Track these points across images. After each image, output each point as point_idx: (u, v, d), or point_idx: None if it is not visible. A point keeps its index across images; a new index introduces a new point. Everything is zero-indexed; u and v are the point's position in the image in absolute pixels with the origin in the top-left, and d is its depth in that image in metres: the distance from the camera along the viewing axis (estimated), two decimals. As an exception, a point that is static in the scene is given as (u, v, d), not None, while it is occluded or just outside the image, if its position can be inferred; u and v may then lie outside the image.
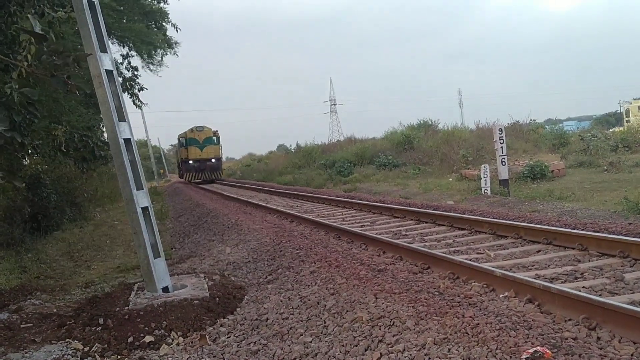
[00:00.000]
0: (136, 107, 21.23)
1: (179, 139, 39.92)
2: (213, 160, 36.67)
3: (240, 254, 8.67)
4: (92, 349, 4.89)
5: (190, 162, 35.97)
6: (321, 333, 4.55)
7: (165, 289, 6.21)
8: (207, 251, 9.63)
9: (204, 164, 36.02)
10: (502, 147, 13.86)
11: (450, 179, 18.97)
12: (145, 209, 6.26)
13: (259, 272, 7.31)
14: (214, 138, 37.20)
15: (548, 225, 7.58)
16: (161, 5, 18.55)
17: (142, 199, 6.23)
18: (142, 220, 6.12)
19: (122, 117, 6.20)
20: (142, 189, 6.29)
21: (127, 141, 6.23)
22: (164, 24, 18.95)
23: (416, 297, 4.83)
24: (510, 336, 3.70)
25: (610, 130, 33.23)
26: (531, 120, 30.70)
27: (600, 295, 4.49)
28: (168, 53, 20.22)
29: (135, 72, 20.34)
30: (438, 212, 10.04)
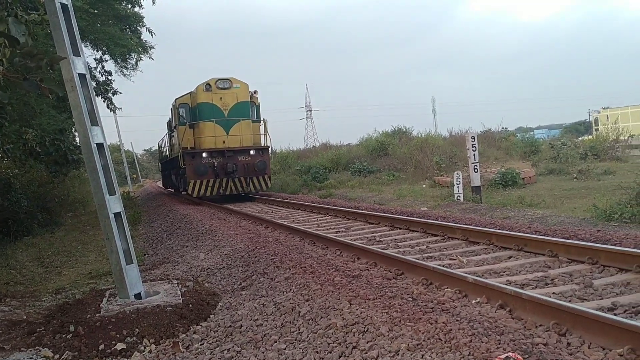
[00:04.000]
0: (110, 111, 20.98)
1: (174, 110, 20.99)
2: (252, 152, 19.32)
3: (214, 260, 8.61)
4: (63, 357, 4.80)
5: (204, 155, 18.71)
6: (295, 340, 4.54)
7: (138, 296, 6.14)
8: (181, 257, 9.54)
9: (232, 160, 18.86)
10: (474, 155, 14.04)
11: (424, 186, 19.15)
12: (117, 215, 6.19)
13: (233, 278, 7.27)
14: (253, 106, 20.14)
15: (519, 232, 7.71)
16: (136, 9, 18.40)
17: (114, 204, 6.16)
18: (114, 226, 6.05)
19: (94, 122, 6.13)
20: (115, 194, 6.21)
21: (100, 145, 6.15)
22: (138, 28, 18.80)
23: (390, 303, 4.86)
24: (482, 342, 3.75)
25: (580, 138, 33.95)
26: (503, 128, 31.22)
27: (570, 301, 4.57)
28: (143, 57, 20.04)
29: (109, 76, 20.13)
30: (412, 218, 10.12)
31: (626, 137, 26.06)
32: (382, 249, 7.50)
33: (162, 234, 13.17)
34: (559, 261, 6.22)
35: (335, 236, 9.01)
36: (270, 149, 20.31)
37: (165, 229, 13.93)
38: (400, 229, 9.68)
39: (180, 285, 6.76)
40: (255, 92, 20.30)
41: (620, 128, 27.63)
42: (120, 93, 20.61)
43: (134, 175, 63.31)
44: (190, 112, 19.80)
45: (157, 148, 35.94)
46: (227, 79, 19.38)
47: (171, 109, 22.22)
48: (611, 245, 6.32)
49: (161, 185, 41.07)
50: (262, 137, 20.19)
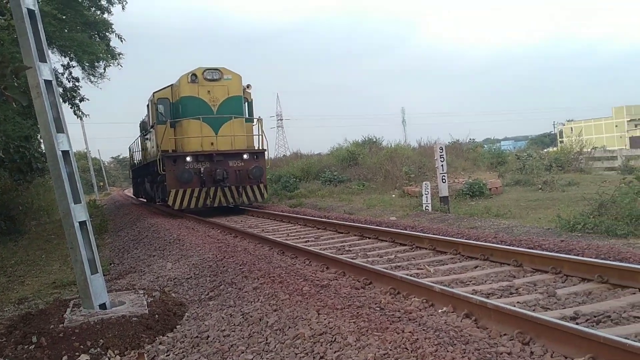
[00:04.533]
0: (77, 117, 20.64)
1: (151, 106, 18.09)
2: (245, 157, 16.76)
3: (181, 269, 8.52)
4: (23, 370, 4.69)
5: (188, 160, 16.04)
6: (263, 350, 4.52)
7: (103, 306, 6.03)
8: (147, 267, 9.41)
9: (222, 165, 16.29)
10: (442, 165, 14.23)
11: (393, 195, 19.29)
12: (83, 223, 6.08)
13: (201, 288, 7.20)
14: (245, 102, 17.56)
15: (485, 242, 7.82)
16: (105, 15, 18.19)
17: (79, 213, 6.05)
18: (79, 235, 5.94)
19: (60, 129, 6.03)
20: (80, 202, 6.11)
21: (65, 153, 6.05)
22: (107, 34, 18.57)
23: (358, 313, 4.88)
24: (447, 351, 3.79)
25: (545, 150, 34.67)
26: (471, 139, 31.75)
27: (533, 311, 4.65)
28: (111, 64, 19.79)
29: (77, 83, 19.82)
30: (381, 227, 10.19)
31: (589, 150, 26.72)
32: (351, 259, 7.54)
33: (128, 243, 12.98)
34: (524, 271, 6.33)
35: (305, 245, 9.01)
36: (266, 152, 17.52)
37: (132, 237, 13.74)
38: (369, 238, 9.73)
39: (146, 295, 6.67)
40: (247, 87, 17.51)
41: (583, 140, 28.31)
42: (87, 100, 20.27)
43: (101, 183, 62.38)
44: (171, 108, 17.10)
45: (128, 154, 31.00)
46: (216, 69, 16.63)
47: (147, 105, 19.06)
48: (574, 255, 6.46)
49: (130, 194, 38.99)
50: (257, 138, 17.46)
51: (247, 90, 17.53)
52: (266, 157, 17.45)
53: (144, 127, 21.09)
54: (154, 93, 17.55)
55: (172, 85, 17.44)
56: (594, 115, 79.93)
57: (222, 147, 16.44)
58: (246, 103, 17.52)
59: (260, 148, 17.27)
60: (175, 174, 15.78)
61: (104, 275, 6.42)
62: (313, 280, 6.35)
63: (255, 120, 17.61)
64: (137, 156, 25.25)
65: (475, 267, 6.82)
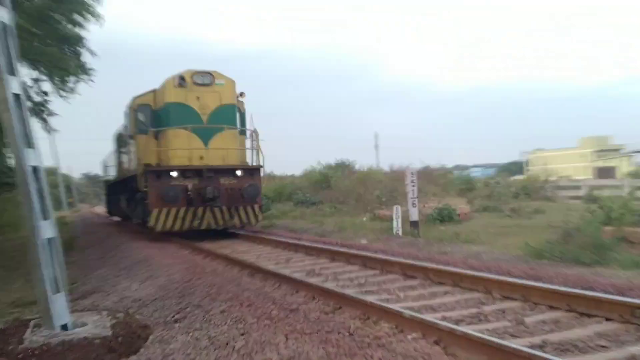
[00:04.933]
0: (47, 132, 20.23)
1: (131, 114, 16.33)
2: (239, 173, 15.08)
3: (147, 290, 8.34)
4: (-22, 393, 4.50)
5: (174, 175, 14.29)
6: (229, 375, 4.43)
7: (64, 327, 5.84)
8: (113, 287, 9.20)
9: (213, 182, 14.49)
10: (413, 190, 14.34)
11: (365, 219, 19.33)
12: (50, 240, 5.92)
13: (167, 310, 7.05)
14: (237, 111, 15.76)
15: (455, 268, 7.86)
16: (77, 30, 17.94)
17: (47, 229, 5.89)
18: (45, 252, 5.78)
19: (29, 144, 5.90)
20: (49, 218, 5.96)
21: (35, 169, 5.91)
22: (79, 49, 18.32)
23: (327, 338, 4.83)
24: (417, 378, 3.77)
25: (513, 178, 35.25)
26: (441, 165, 32.05)
27: (502, 338, 4.67)
28: (82, 80, 19.48)
29: (46, 97, 19.43)
30: (352, 251, 10.17)
31: (555, 178, 27.28)
32: (321, 282, 7.49)
33: (95, 262, 12.70)
34: (493, 298, 6.37)
35: (275, 268, 8.93)
36: (262, 170, 15.65)
37: (99, 256, 13.46)
38: (340, 261, 9.70)
39: (110, 317, 6.50)
40: (241, 95, 15.70)
41: (549, 169, 28.91)
42: (57, 115, 19.88)
43: (71, 200, 61.17)
44: (153, 116, 15.30)
45: (101, 169, 28.15)
46: (207, 73, 14.89)
47: (125, 113, 17.01)
48: (542, 283, 6.53)
49: (101, 212, 37.37)
50: (252, 153, 15.71)
51: (240, 98, 15.82)
52: (262, 174, 15.64)
53: (120, 139, 19.52)
54: (133, 98, 15.73)
55: (155, 90, 15.66)
56: (560, 145, 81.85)
57: (213, 162, 14.63)
58: (238, 113, 15.75)
59: (256, 164, 15.53)
60: (159, 191, 13.88)
61: (67, 294, 6.24)
62: (282, 304, 6.28)
63: (249, 132, 15.81)
64: (111, 171, 23.38)
65: (445, 293, 6.84)
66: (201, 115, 14.65)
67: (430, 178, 28.35)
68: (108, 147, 24.28)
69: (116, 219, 25.35)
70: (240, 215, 14.86)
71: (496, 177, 30.93)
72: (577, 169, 65.05)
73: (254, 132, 15.42)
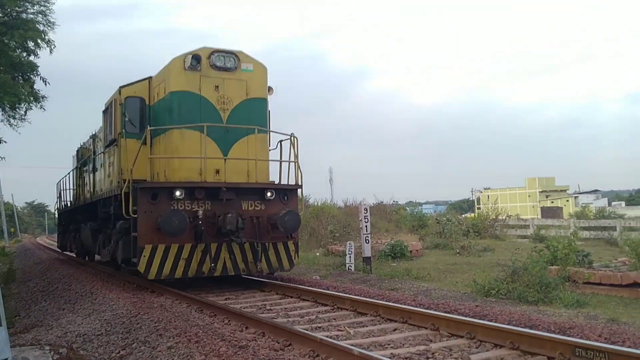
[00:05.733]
0: None
1: (113, 109, 11.87)
2: (269, 195, 10.88)
3: (92, 325, 8.10)
4: None
5: (177, 195, 10.00)
6: (174, 414, 4.33)
7: (2, 364, 5.57)
8: (56, 321, 8.89)
9: (233, 207, 10.39)
10: (366, 226, 14.47)
11: (318, 253, 19.33)
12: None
13: (112, 346, 6.85)
14: (266, 106, 11.71)
15: (404, 305, 7.94)
16: (31, 57, 17.65)
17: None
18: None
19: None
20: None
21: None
22: (32, 76, 17.97)
23: (275, 376, 4.79)
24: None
25: (463, 215, 36.01)
26: (394, 201, 32.45)
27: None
28: (33, 107, 19.05)
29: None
30: (303, 287, 10.14)
31: (504, 217, 27.99)
32: (272, 318, 7.44)
33: (37, 295, 12.27)
34: (440, 335, 6.46)
35: (225, 304, 8.81)
36: (301, 191, 11.76)
37: (42, 288, 13.00)
38: (291, 297, 9.65)
39: (52, 352, 6.29)
40: (269, 90, 11.66)
41: (499, 208, 29.68)
42: (5, 142, 19.34)
43: (12, 230, 58.97)
44: (149, 113, 11.56)
45: (55, 194, 22.50)
46: (231, 53, 11.00)
47: (105, 110, 12.69)
48: (487, 320, 6.67)
49: (45, 242, 35.17)
50: (287, 168, 11.50)
51: (269, 94, 11.78)
52: (300, 197, 11.80)
53: (84, 155, 16.22)
54: (120, 88, 11.58)
55: (150, 78, 11.83)
56: (509, 184, 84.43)
57: (233, 178, 10.73)
58: (265, 107, 11.70)
59: (296, 183, 11.42)
60: (154, 217, 9.81)
61: (8, 328, 6.00)
62: (231, 341, 6.20)
63: (284, 138, 11.62)
64: (68, 195, 19.41)
65: (394, 329, 6.89)
66: (220, 112, 10.83)
67: (383, 214, 28.64)
68: (55, 176, 22.62)
69: (70, 254, 21.25)
70: (270, 257, 10.81)
71: (447, 214, 31.52)
72: (525, 208, 67.10)
73: (293, 137, 11.35)
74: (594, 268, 11.69)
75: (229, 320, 7.53)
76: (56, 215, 23.47)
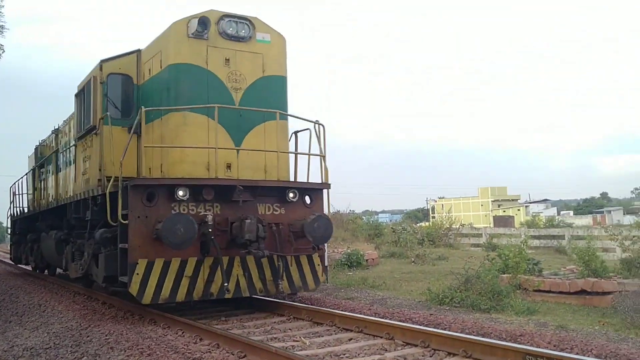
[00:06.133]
0: None
1: (94, 89, 9.48)
2: (292, 196, 9.00)
3: (40, 338, 7.82)
4: None
5: (180, 195, 8.02)
6: None
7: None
8: (2, 334, 8.54)
9: (249, 210, 8.53)
10: (323, 235, 14.45)
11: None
12: None
13: (61, 359, 6.64)
14: (286, 87, 9.70)
15: (360, 314, 8.00)
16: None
17: None
18: None
19: None
20: None
21: None
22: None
23: (230, 388, 4.73)
24: None
25: (418, 224, 36.49)
26: (351, 210, 32.64)
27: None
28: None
29: None
30: (259, 297, 10.05)
31: (457, 226, 28.50)
32: (227, 329, 7.35)
33: (-20, 307, 11.77)
34: (395, 344, 6.52)
35: (178, 315, 8.66)
36: (327, 191, 9.76)
37: (-15, 301, 12.48)
38: (247, 308, 9.56)
39: (-5, 368, 6.04)
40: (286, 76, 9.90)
41: (453, 217, 30.21)
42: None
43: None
44: (138, 95, 9.67)
45: (9, 198, 19.58)
46: (245, 19, 9.21)
47: (80, 93, 10.46)
48: (441, 329, 6.78)
49: None
50: (312, 163, 9.76)
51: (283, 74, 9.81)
52: (325, 199, 9.78)
53: (44, 153, 14.28)
54: (102, 63, 9.66)
55: (139, 51, 9.85)
56: (462, 194, 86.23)
57: (247, 174, 8.93)
58: (282, 81, 9.76)
59: (324, 181, 9.56)
60: (151, 224, 7.94)
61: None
62: (185, 353, 6.10)
63: (309, 125, 9.64)
64: (24, 200, 17.35)
65: (350, 339, 6.91)
66: (231, 91, 8.99)
67: (340, 223, 28.73)
68: (8, 180, 20.03)
69: (25, 267, 19.17)
70: (291, 274, 8.97)
71: (402, 223, 31.92)
72: (478, 217, 68.54)
73: (319, 125, 9.47)
74: (543, 276, 11.99)
75: (182, 332, 7.40)
76: (8, 224, 20.72)
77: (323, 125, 9.48)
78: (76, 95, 10.80)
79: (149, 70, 9.50)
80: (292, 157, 9.73)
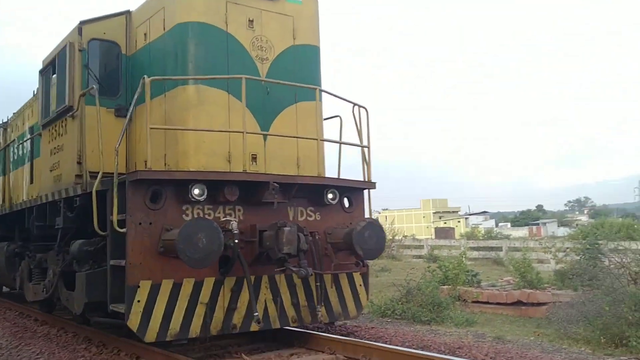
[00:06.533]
0: None
1: (71, 58, 7.25)
2: (330, 197, 7.07)
3: (-36, 359, 7.43)
4: None
5: (195, 193, 6.11)
6: None
7: None
8: None
9: (281, 214, 6.72)
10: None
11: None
12: None
13: (-14, 382, 6.31)
14: (319, 59, 7.79)
15: (302, 329, 7.93)
16: None
17: None
18: None
19: None
20: None
21: None
22: None
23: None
24: None
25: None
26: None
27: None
28: None
29: None
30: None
31: (400, 237, 28.95)
32: (165, 348, 7.15)
33: None
34: (337, 359, 6.51)
35: (110, 333, 8.37)
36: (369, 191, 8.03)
37: None
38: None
39: None
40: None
41: (396, 229, 30.65)
42: None
43: None
44: (127, 68, 7.84)
45: None
46: None
47: (49, 66, 8.41)
48: (382, 343, 6.83)
49: None
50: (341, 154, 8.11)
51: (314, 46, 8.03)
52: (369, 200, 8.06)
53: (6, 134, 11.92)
54: (81, 25, 7.61)
55: (129, 13, 7.99)
56: (405, 206, 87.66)
57: (277, 168, 7.16)
58: (315, 56, 7.95)
59: (367, 179, 7.82)
60: (156, 233, 6.15)
61: None
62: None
63: (353, 107, 7.73)
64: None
65: (292, 354, 6.85)
66: (256, 61, 7.20)
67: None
68: None
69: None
70: (330, 298, 7.24)
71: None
72: (420, 228, 69.83)
73: (362, 108, 7.71)
74: (482, 287, 12.31)
75: (118, 351, 7.16)
76: None
77: (366, 108, 7.66)
78: (41, 72, 8.74)
79: (145, 35, 7.53)
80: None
